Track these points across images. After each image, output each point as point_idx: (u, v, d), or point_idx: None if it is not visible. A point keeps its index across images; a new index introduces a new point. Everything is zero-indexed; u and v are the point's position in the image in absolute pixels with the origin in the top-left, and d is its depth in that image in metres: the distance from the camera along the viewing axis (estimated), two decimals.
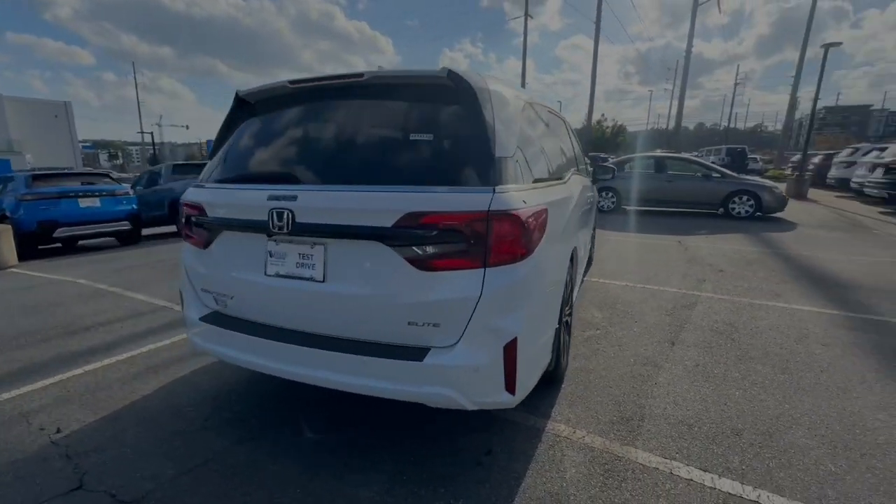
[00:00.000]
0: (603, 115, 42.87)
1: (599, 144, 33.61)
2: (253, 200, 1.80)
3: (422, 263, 1.58)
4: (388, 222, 1.57)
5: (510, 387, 1.61)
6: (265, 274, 1.82)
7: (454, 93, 1.70)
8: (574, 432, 1.98)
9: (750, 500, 1.58)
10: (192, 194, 2.09)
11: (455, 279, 1.56)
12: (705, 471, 1.73)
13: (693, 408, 2.16)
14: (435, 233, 1.54)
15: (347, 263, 1.68)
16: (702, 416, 2.09)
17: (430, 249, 1.57)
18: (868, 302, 3.68)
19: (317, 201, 1.69)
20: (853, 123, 74.57)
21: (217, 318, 1.99)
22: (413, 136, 1.71)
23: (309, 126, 1.95)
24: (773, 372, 2.51)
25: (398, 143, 1.75)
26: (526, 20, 28.31)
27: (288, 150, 1.95)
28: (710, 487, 1.64)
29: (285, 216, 1.70)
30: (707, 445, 1.88)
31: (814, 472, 1.72)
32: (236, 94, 2.10)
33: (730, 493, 1.61)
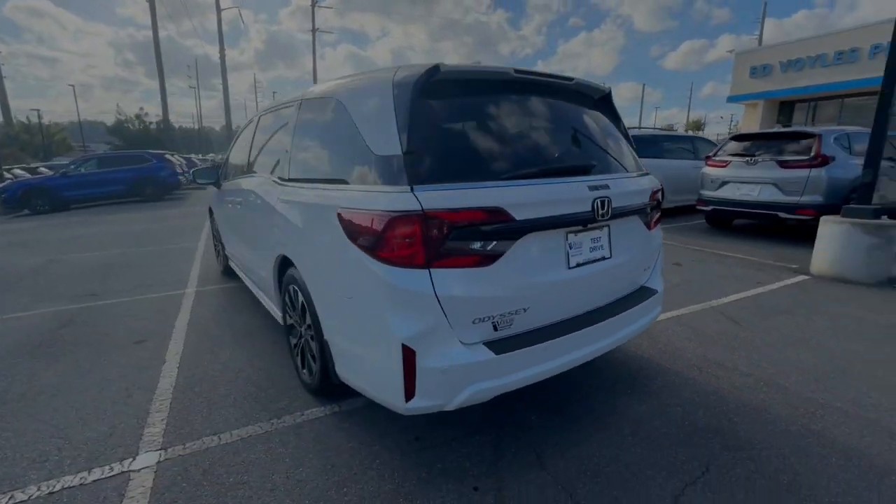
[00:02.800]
0: (142, 108, 42.33)
1: (141, 141, 28.24)
2: (572, 193, 1.79)
3: (648, 226, 2.24)
4: (646, 199, 2.17)
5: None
6: (568, 267, 1.82)
7: (606, 101, 2.32)
8: None
9: None
10: (479, 198, 1.57)
11: (657, 232, 2.36)
12: None
13: None
14: (656, 202, 2.28)
15: (621, 237, 2.05)
16: None
17: (653, 215, 2.28)
18: None
19: (620, 188, 1.98)
20: None
21: (500, 347, 1.63)
22: (611, 132, 2.27)
23: (540, 118, 1.96)
24: None
25: (608, 137, 2.21)
26: None
27: (542, 141, 1.93)
28: None
29: (606, 204, 1.86)
30: None
31: None
32: (437, 70, 1.66)
33: None
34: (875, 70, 17.06)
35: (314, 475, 1.76)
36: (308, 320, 2.16)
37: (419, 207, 1.48)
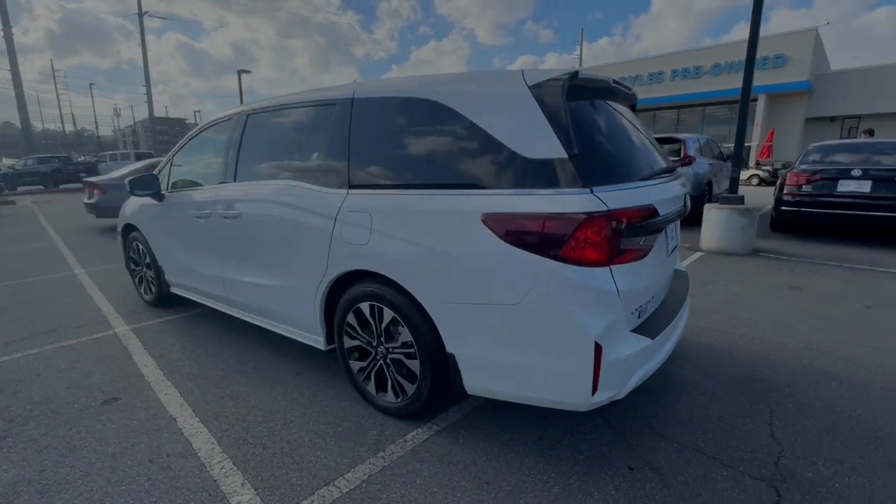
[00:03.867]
0: None
1: None
2: (677, 191, 2.11)
3: None
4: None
5: None
6: (666, 255, 2.12)
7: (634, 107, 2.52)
8: None
9: None
10: (641, 197, 1.71)
11: None
12: None
13: None
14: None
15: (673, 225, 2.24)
16: None
17: None
18: None
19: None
20: (179, 134, 73.77)
21: (649, 332, 1.78)
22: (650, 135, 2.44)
23: (627, 123, 2.09)
24: None
25: (652, 139, 2.38)
26: None
27: (641, 144, 2.10)
28: None
29: (687, 198, 2.27)
30: None
31: None
32: (577, 75, 1.70)
33: None
34: (676, 90, 21.85)
35: (476, 497, 1.66)
36: (403, 338, 1.99)
37: (605, 208, 1.53)
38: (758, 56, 18.91)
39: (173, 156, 3.39)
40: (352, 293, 2.15)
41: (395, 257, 1.91)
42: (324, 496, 1.68)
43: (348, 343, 2.26)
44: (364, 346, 2.20)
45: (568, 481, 1.74)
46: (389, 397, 2.15)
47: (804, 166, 6.19)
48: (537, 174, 1.61)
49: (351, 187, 2.12)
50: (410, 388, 2.04)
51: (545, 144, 1.62)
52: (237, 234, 2.69)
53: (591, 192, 1.55)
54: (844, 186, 5.68)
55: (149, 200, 3.49)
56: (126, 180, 3.29)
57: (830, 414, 2.15)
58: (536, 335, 1.63)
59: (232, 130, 2.85)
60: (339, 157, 2.19)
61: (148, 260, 3.72)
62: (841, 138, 17.31)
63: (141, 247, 3.76)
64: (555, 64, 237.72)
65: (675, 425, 2.08)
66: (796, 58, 18.73)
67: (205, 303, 3.27)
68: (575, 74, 1.71)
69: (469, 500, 1.65)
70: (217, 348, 3.02)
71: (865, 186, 5.54)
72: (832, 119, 21.13)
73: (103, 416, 2.24)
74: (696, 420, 2.11)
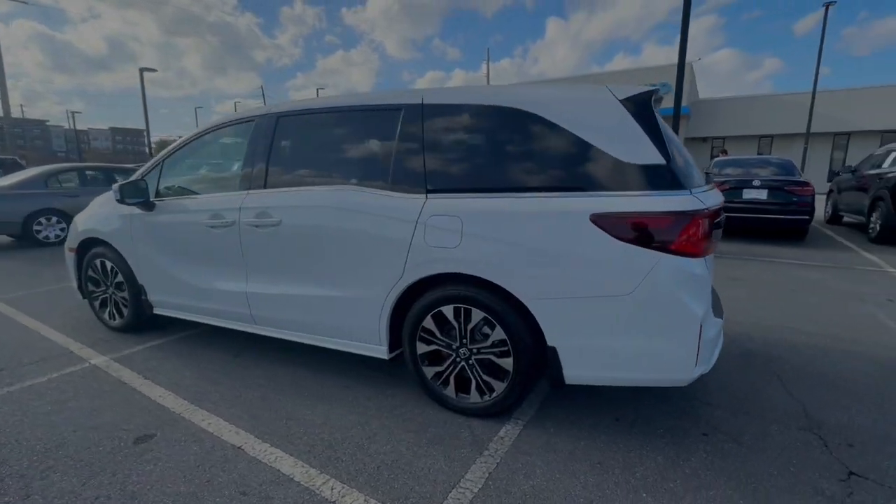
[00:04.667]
0: None
1: None
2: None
3: None
4: None
5: None
6: None
7: None
8: None
9: None
10: (715, 199, 2.00)
11: None
12: None
13: None
14: None
15: None
16: None
17: None
18: None
19: None
20: (36, 137, 74.77)
21: (716, 315, 2.11)
22: None
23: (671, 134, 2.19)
24: None
25: None
26: None
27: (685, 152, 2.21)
28: None
29: None
30: None
31: None
32: (657, 92, 2.01)
33: None
34: None
35: (595, 477, 1.79)
36: (494, 337, 2.05)
37: (704, 206, 1.78)
38: (649, 84, 21.83)
39: (163, 160, 3.02)
40: (430, 297, 2.15)
41: (493, 259, 1.97)
42: (458, 499, 1.68)
43: (422, 349, 2.25)
44: (442, 349, 2.21)
45: (665, 451, 1.94)
46: (473, 398, 2.18)
47: (716, 178, 7.35)
48: (640, 178, 1.81)
49: (429, 192, 2.13)
50: (500, 386, 2.10)
51: (644, 152, 1.83)
52: (274, 244, 2.50)
53: (691, 192, 1.80)
54: (748, 194, 6.87)
55: (126, 210, 3.06)
56: (115, 187, 2.85)
57: (822, 374, 2.65)
58: (647, 321, 1.81)
59: (257, 133, 2.65)
60: (412, 162, 2.19)
61: (119, 279, 3.23)
62: (711, 157, 20.71)
63: (109, 264, 3.26)
64: (462, 81, 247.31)
65: (716, 395, 2.40)
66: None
67: (204, 321, 2.95)
68: (656, 91, 1.96)
69: (591, 480, 1.77)
70: (237, 370, 2.75)
71: (763, 194, 6.76)
72: (704, 139, 25.05)
73: (147, 456, 1.94)
74: (728, 390, 2.46)
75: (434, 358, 2.26)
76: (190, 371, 2.75)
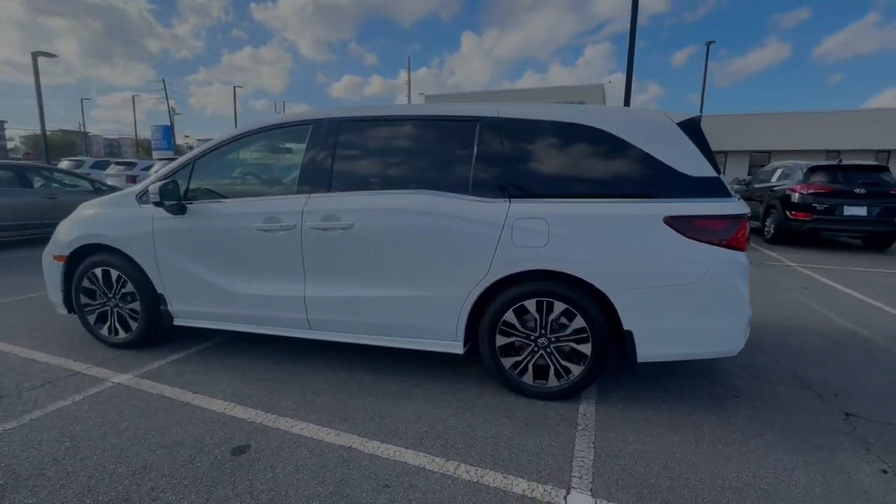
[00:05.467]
0: None
1: None
2: None
3: None
4: None
5: None
6: None
7: None
8: None
9: None
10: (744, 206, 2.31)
11: None
12: None
13: None
14: None
15: None
16: None
17: None
18: None
19: None
20: None
21: None
22: None
23: None
24: None
25: None
26: None
27: None
28: None
29: None
30: None
31: None
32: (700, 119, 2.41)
33: None
34: None
35: (690, 433, 2.13)
36: (574, 326, 2.32)
37: (747, 211, 2.22)
38: (566, 101, 23.61)
39: (195, 160, 2.83)
40: (513, 293, 2.35)
41: (578, 256, 2.24)
42: (582, 465, 1.90)
43: (501, 341, 2.44)
44: (521, 340, 2.42)
45: (716, 412, 2.35)
46: (552, 382, 2.42)
47: None
48: (701, 188, 2.21)
49: (511, 197, 2.35)
50: (578, 370, 2.37)
51: (699, 166, 2.23)
52: (343, 247, 2.52)
53: (738, 199, 2.23)
54: None
55: (145, 213, 2.82)
56: (154, 187, 2.59)
57: (790, 346, 3.31)
58: (710, 304, 2.21)
59: (317, 138, 2.64)
60: (492, 171, 2.39)
61: (128, 289, 2.94)
62: None
63: (114, 273, 2.95)
64: (380, 87, 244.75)
65: (729, 367, 2.91)
66: (593, 103, 24.32)
67: (238, 329, 2.82)
68: (699, 117, 2.39)
69: (674, 439, 2.11)
70: (292, 377, 2.68)
71: None
72: None
73: (258, 465, 1.88)
74: (734, 363, 2.99)
75: (512, 349, 2.46)
76: (241, 382, 2.62)
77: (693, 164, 2.24)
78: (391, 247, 2.47)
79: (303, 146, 2.69)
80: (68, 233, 3.04)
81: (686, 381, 2.71)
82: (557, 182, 2.36)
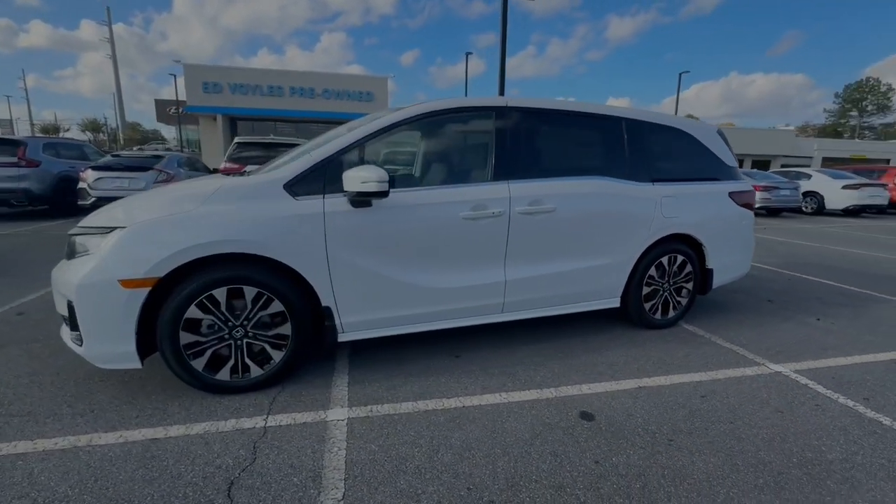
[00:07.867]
0: None
1: None
2: None
3: None
4: None
5: None
6: None
7: None
8: None
9: None
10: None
11: None
12: None
13: None
14: None
15: None
16: None
17: None
18: None
19: None
20: None
21: None
22: None
23: None
24: None
25: None
26: None
27: None
28: None
29: None
30: None
31: None
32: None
33: None
34: (293, 105, 24.00)
35: (731, 344, 3.45)
36: (686, 270, 3.34)
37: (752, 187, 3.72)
38: (357, 90, 24.07)
39: (364, 142, 2.35)
40: (655, 253, 3.18)
41: (693, 221, 3.26)
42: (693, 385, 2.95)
43: (645, 291, 3.22)
44: (657, 287, 3.27)
45: (748, 322, 3.81)
46: (670, 314, 3.37)
47: None
48: (734, 173, 3.57)
49: (654, 181, 3.14)
50: (684, 301, 3.41)
51: (730, 158, 3.59)
52: (546, 229, 2.74)
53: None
54: None
55: (309, 208, 2.23)
56: (364, 174, 1.99)
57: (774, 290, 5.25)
58: (743, 245, 3.65)
59: (505, 126, 2.71)
60: (641, 161, 3.13)
61: (274, 309, 2.23)
62: None
63: (251, 292, 2.15)
64: (47, 38, 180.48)
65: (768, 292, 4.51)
66: (378, 95, 25.34)
67: (421, 330, 2.60)
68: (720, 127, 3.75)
69: (709, 350, 3.42)
70: (519, 367, 2.72)
71: None
72: None
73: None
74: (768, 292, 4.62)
75: (648, 296, 3.28)
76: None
77: (729, 157, 3.58)
78: (586, 224, 2.88)
79: (461, 131, 2.73)
80: (164, 240, 2.01)
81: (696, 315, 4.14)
82: (675, 169, 3.30)
